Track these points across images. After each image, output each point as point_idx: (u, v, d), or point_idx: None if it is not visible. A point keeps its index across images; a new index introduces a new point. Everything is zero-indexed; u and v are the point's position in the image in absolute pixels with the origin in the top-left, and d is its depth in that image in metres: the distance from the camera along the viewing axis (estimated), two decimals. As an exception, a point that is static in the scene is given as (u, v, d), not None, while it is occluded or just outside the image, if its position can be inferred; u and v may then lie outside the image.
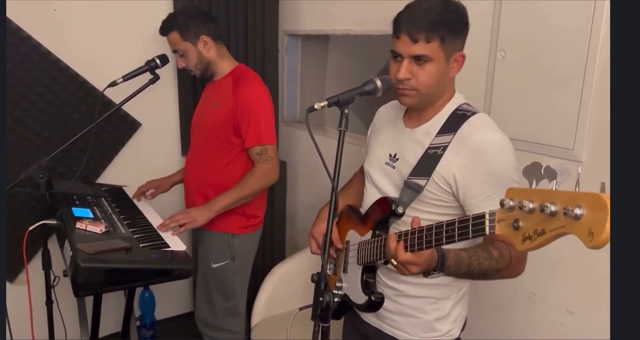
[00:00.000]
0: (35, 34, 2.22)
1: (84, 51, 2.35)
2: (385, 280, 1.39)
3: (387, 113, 1.50)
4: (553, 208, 0.75)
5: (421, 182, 1.25)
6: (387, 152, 1.39)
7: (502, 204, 0.84)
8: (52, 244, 2.04)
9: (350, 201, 1.56)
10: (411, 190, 1.26)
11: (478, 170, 1.20)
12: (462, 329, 1.43)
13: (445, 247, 1.12)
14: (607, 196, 0.68)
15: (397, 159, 1.35)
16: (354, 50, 2.83)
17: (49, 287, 2.06)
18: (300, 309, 1.49)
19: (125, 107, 2.25)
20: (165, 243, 1.73)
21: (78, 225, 1.71)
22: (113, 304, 2.53)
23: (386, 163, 1.39)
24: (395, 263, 1.11)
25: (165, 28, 2.04)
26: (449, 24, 1.20)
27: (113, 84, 1.96)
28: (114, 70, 2.06)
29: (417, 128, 1.33)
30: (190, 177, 2.18)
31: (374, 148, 1.47)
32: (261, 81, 2.08)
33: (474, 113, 1.27)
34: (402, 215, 1.25)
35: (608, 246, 0.69)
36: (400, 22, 1.22)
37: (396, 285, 1.37)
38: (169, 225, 1.85)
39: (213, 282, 2.13)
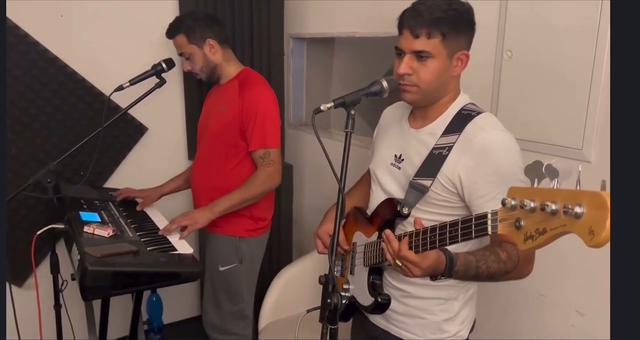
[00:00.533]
0: (42, 40, 2.24)
1: (91, 56, 2.36)
2: (392, 282, 1.38)
3: (393, 114, 1.50)
4: (554, 207, 0.74)
5: (426, 182, 1.25)
6: (393, 152, 1.39)
7: (503, 203, 0.84)
8: (60, 248, 2.04)
9: (357, 203, 1.56)
10: (416, 191, 1.26)
11: (483, 171, 1.19)
12: (471, 330, 1.42)
13: (452, 249, 1.12)
14: (607, 194, 0.68)
15: (402, 160, 1.35)
16: (359, 52, 2.83)
17: (57, 291, 2.06)
18: (308, 311, 1.48)
19: (131, 112, 2.26)
20: (173, 246, 1.73)
21: (86, 229, 1.71)
22: (121, 308, 2.53)
23: (391, 164, 1.38)
24: (400, 264, 1.10)
25: (172, 31, 2.05)
26: (452, 21, 1.21)
27: (120, 88, 1.97)
28: (121, 75, 2.07)
29: (422, 128, 1.33)
30: (198, 180, 2.18)
31: (379, 149, 1.48)
32: (267, 84, 2.08)
33: (479, 113, 1.27)
34: (407, 216, 1.25)
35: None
36: (404, 19, 1.23)
37: (403, 286, 1.36)
38: (171, 228, 1.85)
39: (220, 286, 2.13)
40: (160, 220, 2.00)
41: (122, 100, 2.22)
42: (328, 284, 1.12)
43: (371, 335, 1.47)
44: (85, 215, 1.86)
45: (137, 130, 2.56)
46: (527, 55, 1.64)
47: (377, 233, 1.31)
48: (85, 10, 2.32)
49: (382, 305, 1.27)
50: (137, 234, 1.79)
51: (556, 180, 0.77)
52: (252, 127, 1.97)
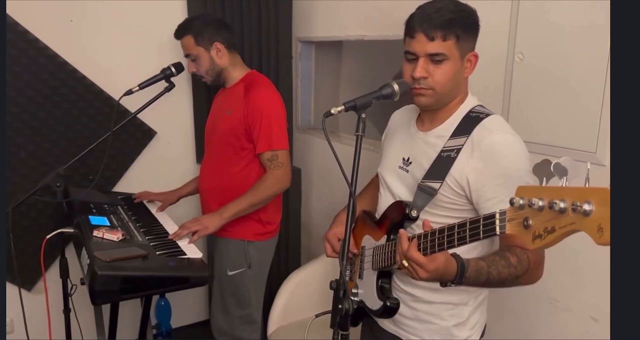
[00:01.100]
0: (52, 45, 2.25)
1: (100, 61, 2.37)
2: (401, 285, 1.37)
3: (401, 117, 1.50)
4: (562, 205, 0.73)
5: (435, 185, 1.24)
6: (401, 156, 1.38)
7: (512, 202, 0.82)
8: (70, 252, 2.05)
9: (366, 207, 1.55)
10: (425, 193, 1.25)
11: (491, 173, 1.18)
12: (482, 335, 1.40)
13: (462, 254, 1.11)
14: None
15: (410, 163, 1.35)
16: (367, 56, 2.83)
17: (66, 295, 2.07)
18: (317, 315, 1.48)
19: (140, 116, 2.27)
20: (182, 251, 1.72)
21: (95, 233, 1.71)
22: (130, 312, 2.54)
23: (399, 167, 1.38)
24: (406, 264, 1.09)
25: (180, 31, 2.05)
26: (463, 23, 1.21)
27: (129, 92, 1.97)
28: (130, 79, 2.08)
29: (430, 131, 1.32)
30: (205, 183, 2.18)
31: (387, 152, 1.47)
32: (273, 87, 2.08)
33: (487, 115, 1.26)
34: (416, 219, 1.24)
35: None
36: (415, 22, 1.22)
37: (412, 290, 1.35)
38: (181, 233, 1.85)
39: (229, 290, 2.12)
40: (169, 225, 1.99)
41: (131, 104, 2.23)
42: (339, 289, 1.11)
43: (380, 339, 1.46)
44: (94, 220, 1.86)
45: (146, 134, 2.56)
46: (539, 58, 1.62)
47: (385, 236, 1.30)
48: (94, 15, 2.33)
49: (390, 310, 1.25)
50: (147, 238, 1.79)
51: (565, 178, 0.76)
52: (257, 129, 1.96)
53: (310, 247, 2.90)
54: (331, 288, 1.14)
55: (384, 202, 1.41)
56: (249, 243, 2.09)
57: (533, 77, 1.65)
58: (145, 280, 1.55)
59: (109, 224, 1.86)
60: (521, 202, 0.81)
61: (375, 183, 1.61)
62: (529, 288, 1.35)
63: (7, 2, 2.04)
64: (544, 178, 0.80)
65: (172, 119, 2.62)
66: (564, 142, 1.58)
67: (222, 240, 2.11)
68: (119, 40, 2.41)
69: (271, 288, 2.38)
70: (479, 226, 0.96)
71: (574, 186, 0.73)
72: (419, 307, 1.35)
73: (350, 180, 1.13)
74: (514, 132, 1.23)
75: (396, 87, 1.21)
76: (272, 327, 2.23)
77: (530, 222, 0.80)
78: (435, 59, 1.21)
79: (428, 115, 1.34)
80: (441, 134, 1.29)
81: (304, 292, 2.29)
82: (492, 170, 1.18)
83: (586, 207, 0.69)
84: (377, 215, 1.42)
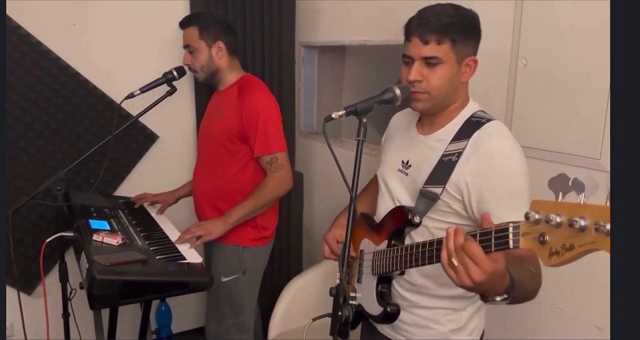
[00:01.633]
0: (54, 48, 2.25)
1: (102, 64, 2.37)
2: (400, 291, 1.36)
3: (401, 121, 1.49)
4: (583, 223, 0.72)
5: (437, 190, 1.23)
6: (400, 158, 1.38)
7: (527, 217, 0.81)
8: (70, 257, 2.04)
9: (364, 209, 1.55)
10: (427, 199, 1.24)
11: (489, 176, 1.18)
12: (480, 340, 1.39)
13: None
14: None
15: (410, 166, 1.34)
16: (370, 61, 2.82)
17: (65, 300, 2.06)
18: (314, 319, 1.47)
19: (142, 120, 2.26)
20: (182, 255, 1.71)
21: (95, 237, 1.70)
22: (129, 317, 2.52)
23: (399, 170, 1.37)
24: (456, 264, 0.93)
25: (187, 21, 2.04)
26: (461, 27, 1.21)
27: (130, 96, 1.97)
28: (132, 82, 2.07)
29: (431, 135, 1.32)
30: (199, 187, 2.16)
31: (387, 155, 1.47)
32: (267, 89, 2.06)
33: (489, 120, 1.26)
34: (418, 225, 1.23)
35: None
36: (412, 25, 1.23)
37: (411, 296, 1.35)
38: (185, 237, 1.84)
39: (223, 297, 2.10)
40: (169, 229, 1.98)
41: (133, 108, 2.22)
42: (339, 296, 1.10)
43: (379, 344, 1.45)
44: (94, 224, 1.85)
45: (147, 138, 2.56)
46: (543, 63, 1.61)
47: (386, 241, 1.29)
48: (97, 18, 2.33)
49: (391, 315, 1.24)
50: (146, 242, 1.78)
51: (583, 194, 0.75)
52: (254, 133, 1.95)
53: (312, 251, 2.89)
54: (331, 295, 1.13)
55: (384, 206, 1.40)
56: (244, 249, 2.07)
57: (537, 83, 1.63)
58: (145, 285, 1.54)
59: (109, 228, 1.85)
60: (537, 216, 0.79)
61: (373, 185, 1.60)
62: (532, 296, 1.33)
63: (10, 4, 2.05)
64: (560, 193, 0.79)
65: (174, 123, 2.61)
66: (568, 149, 1.56)
67: (218, 246, 2.08)
68: (121, 44, 2.41)
69: (272, 294, 2.37)
70: (490, 238, 0.91)
71: (595, 204, 0.73)
72: (417, 312, 1.35)
73: (351, 186, 1.12)
74: (513, 137, 1.23)
75: (397, 91, 1.20)
76: (273, 332, 2.22)
77: (547, 238, 0.78)
78: (430, 62, 1.21)
79: (428, 119, 1.34)
80: (441, 138, 1.29)
81: (305, 298, 2.27)
82: (490, 173, 1.18)
83: (609, 227, 0.68)
84: (377, 219, 1.41)
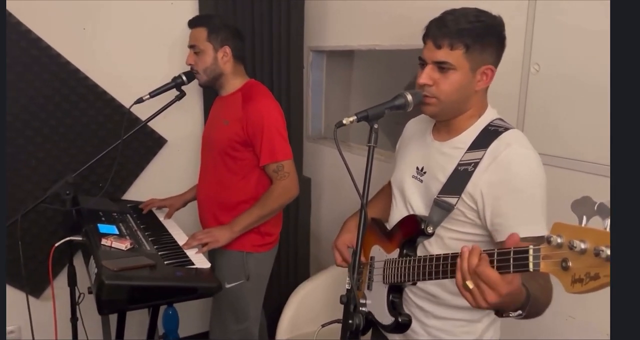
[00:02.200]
0: (64, 52, 2.26)
1: (112, 69, 2.38)
2: (414, 299, 1.34)
3: (416, 127, 1.48)
4: (609, 252, 0.69)
5: (452, 200, 1.21)
6: (415, 164, 1.36)
7: (549, 240, 0.78)
8: (78, 261, 2.04)
9: (375, 215, 1.52)
10: (441, 209, 1.22)
11: (506, 187, 1.15)
12: (495, 353, 1.36)
13: None
14: None
15: (425, 173, 1.32)
16: (378, 65, 2.81)
17: (74, 304, 2.06)
18: (323, 325, 1.45)
19: (151, 124, 2.26)
20: (190, 261, 1.71)
21: (103, 241, 1.70)
22: (137, 322, 2.52)
23: (413, 176, 1.36)
24: (471, 286, 0.91)
25: (197, 21, 2.03)
26: (477, 34, 1.17)
27: (139, 100, 1.97)
28: (141, 87, 2.07)
29: (446, 142, 1.30)
30: (203, 194, 2.15)
31: (401, 162, 1.45)
32: (271, 96, 2.05)
33: (507, 129, 1.23)
34: (432, 235, 1.21)
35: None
36: (429, 29, 1.21)
37: (425, 304, 1.32)
38: (192, 244, 1.84)
39: (227, 303, 2.08)
40: (177, 233, 1.98)
41: (142, 112, 2.22)
42: (350, 303, 1.08)
43: (390, 355, 1.43)
44: (103, 228, 1.85)
45: (156, 143, 2.56)
46: (555, 69, 1.59)
47: (398, 250, 1.27)
48: (106, 23, 2.34)
49: (402, 326, 1.22)
50: (155, 247, 1.78)
51: (608, 220, 0.71)
52: (259, 141, 1.93)
53: (319, 257, 2.87)
54: (341, 302, 1.11)
55: (397, 213, 1.38)
56: (248, 254, 2.06)
57: (549, 89, 1.62)
58: (153, 290, 1.53)
59: (117, 232, 1.85)
60: (559, 240, 0.76)
61: (386, 191, 1.59)
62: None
63: (19, 8, 2.06)
64: (584, 217, 0.75)
65: (182, 127, 2.61)
66: (581, 155, 1.54)
67: (221, 251, 2.06)
68: (131, 49, 2.41)
69: (280, 299, 2.35)
70: (509, 259, 0.88)
71: None
72: (430, 322, 1.32)
73: (361, 192, 1.10)
74: (532, 147, 1.20)
75: (409, 97, 1.18)
76: (279, 338, 2.20)
77: (570, 264, 0.75)
78: (442, 67, 1.19)
79: (444, 126, 1.32)
80: (457, 146, 1.26)
81: (312, 304, 2.26)
82: (507, 184, 1.15)
83: None
84: (389, 226, 1.39)
